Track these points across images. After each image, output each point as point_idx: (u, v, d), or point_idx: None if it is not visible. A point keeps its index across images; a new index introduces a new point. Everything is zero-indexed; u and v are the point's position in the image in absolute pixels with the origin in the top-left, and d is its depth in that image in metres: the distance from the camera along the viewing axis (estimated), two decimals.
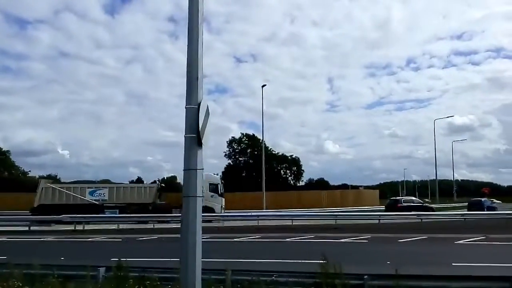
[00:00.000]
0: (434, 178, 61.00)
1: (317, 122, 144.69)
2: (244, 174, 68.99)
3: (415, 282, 6.51)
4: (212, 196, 30.82)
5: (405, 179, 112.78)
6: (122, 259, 6.98)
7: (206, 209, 29.29)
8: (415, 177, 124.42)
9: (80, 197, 30.01)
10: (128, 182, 78.65)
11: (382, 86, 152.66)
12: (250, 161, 71.63)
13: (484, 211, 32.82)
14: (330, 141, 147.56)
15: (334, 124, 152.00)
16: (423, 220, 26.02)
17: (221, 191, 32.26)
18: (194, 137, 4.60)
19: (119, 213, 28.85)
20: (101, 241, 19.12)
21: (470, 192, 74.38)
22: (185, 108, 4.71)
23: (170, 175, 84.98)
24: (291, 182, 77.94)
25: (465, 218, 26.27)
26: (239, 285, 6.48)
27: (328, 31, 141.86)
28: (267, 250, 15.35)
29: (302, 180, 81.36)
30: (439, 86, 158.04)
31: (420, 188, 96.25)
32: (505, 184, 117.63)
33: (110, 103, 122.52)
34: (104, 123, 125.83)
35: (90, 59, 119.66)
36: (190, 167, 4.63)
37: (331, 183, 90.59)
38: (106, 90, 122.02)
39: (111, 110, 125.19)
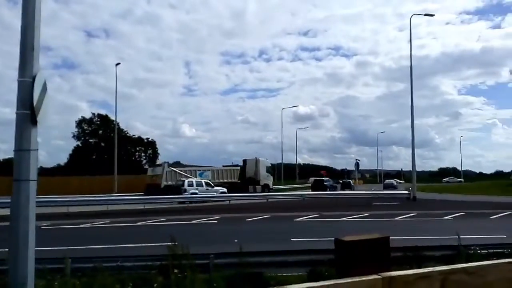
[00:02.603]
0: (280, 161, 66.45)
1: (173, 106, 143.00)
2: (94, 157, 64.46)
3: (257, 258, 7.01)
4: (267, 176, 40.08)
5: None
6: None
7: (265, 186, 38.94)
8: None
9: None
10: None
11: (237, 74, 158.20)
12: (102, 143, 67.22)
13: (352, 190, 39.82)
14: (186, 124, 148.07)
15: (190, 108, 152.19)
16: (268, 200, 28.17)
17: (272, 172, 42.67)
18: (27, 114, 4.16)
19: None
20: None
21: (311, 174, 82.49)
22: (18, 81, 4.23)
23: (6, 156, 74.76)
24: (146, 165, 76.05)
25: (304, 198, 29.23)
26: (80, 274, 6.09)
27: (185, 14, 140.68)
28: (116, 235, 14.78)
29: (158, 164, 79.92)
30: (287, 78, 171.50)
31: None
32: (339, 168, 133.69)
33: None
34: None
35: None
36: (22, 147, 4.19)
37: None
38: None
39: None
